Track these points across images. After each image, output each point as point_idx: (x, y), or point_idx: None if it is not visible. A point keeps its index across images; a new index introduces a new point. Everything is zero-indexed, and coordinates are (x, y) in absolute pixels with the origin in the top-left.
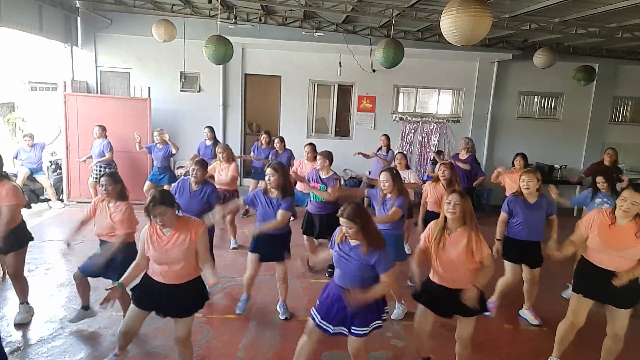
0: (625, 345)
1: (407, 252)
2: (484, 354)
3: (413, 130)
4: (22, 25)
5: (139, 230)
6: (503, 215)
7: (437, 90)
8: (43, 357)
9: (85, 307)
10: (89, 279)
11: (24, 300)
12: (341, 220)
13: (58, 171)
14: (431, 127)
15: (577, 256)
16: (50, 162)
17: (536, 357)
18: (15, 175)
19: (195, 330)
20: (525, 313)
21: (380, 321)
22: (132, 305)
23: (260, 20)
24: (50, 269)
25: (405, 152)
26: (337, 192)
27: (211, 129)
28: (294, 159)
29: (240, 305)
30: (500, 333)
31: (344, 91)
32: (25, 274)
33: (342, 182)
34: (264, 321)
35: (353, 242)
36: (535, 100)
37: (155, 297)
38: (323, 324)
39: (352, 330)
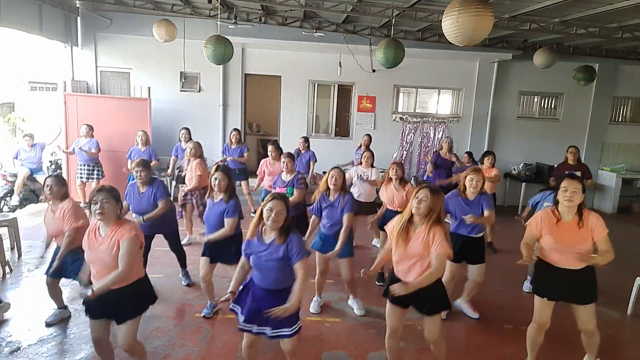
0: (626, 344)
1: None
2: (482, 354)
3: (413, 130)
4: (22, 25)
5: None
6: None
7: (437, 90)
8: (43, 357)
9: (62, 307)
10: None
11: None
12: (272, 203)
13: (58, 171)
14: (431, 127)
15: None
16: (50, 162)
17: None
18: (16, 175)
19: (195, 330)
20: (463, 305)
21: (299, 321)
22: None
23: (260, 20)
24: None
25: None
26: (302, 195)
27: (188, 130)
28: (316, 160)
29: (206, 311)
30: (499, 333)
31: (344, 91)
32: (25, 274)
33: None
34: None
35: (268, 238)
36: (535, 100)
37: (97, 301)
38: (246, 326)
39: (281, 333)
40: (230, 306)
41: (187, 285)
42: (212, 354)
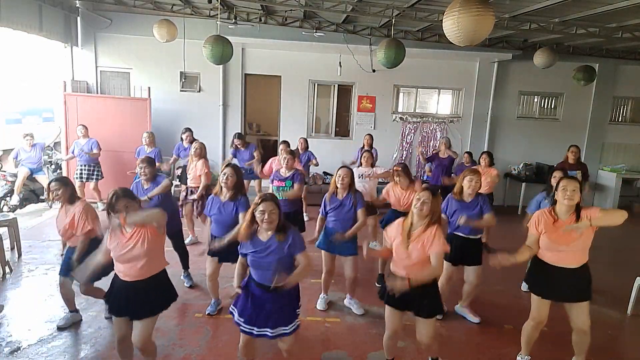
0: (626, 344)
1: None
2: (482, 354)
3: (413, 130)
4: (22, 25)
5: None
6: (444, 215)
7: (437, 90)
8: (43, 357)
9: (73, 311)
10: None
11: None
12: (263, 205)
13: (58, 171)
14: (431, 127)
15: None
16: (50, 162)
17: (534, 356)
18: (16, 175)
19: (195, 330)
20: (463, 311)
21: (297, 319)
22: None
23: (260, 20)
24: (50, 269)
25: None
26: (302, 189)
27: (190, 130)
28: (315, 158)
29: (210, 309)
30: (499, 333)
31: (344, 91)
32: (25, 274)
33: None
34: None
35: (265, 237)
36: (535, 100)
37: (123, 298)
38: (247, 328)
39: (281, 332)
40: (230, 309)
41: (190, 287)
42: (212, 354)
